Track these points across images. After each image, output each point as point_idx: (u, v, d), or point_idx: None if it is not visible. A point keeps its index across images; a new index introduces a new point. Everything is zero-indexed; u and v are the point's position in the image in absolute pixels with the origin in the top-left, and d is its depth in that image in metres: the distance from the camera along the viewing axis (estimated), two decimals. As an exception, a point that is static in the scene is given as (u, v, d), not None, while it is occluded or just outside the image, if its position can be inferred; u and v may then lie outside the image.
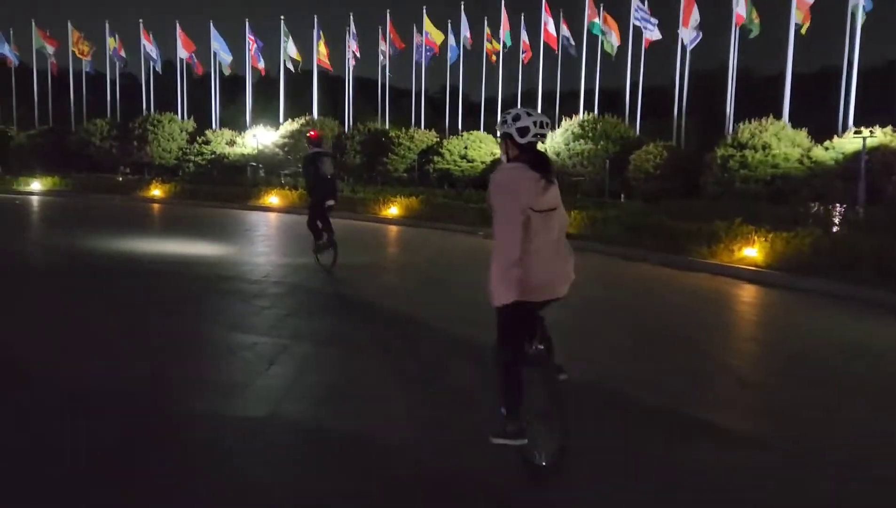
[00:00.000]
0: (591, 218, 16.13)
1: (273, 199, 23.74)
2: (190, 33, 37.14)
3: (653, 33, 27.76)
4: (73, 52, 38.32)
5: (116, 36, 38.37)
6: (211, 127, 36.55)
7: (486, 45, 32.75)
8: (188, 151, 34.50)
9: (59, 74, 40.16)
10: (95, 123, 35.31)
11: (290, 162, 32.55)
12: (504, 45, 31.57)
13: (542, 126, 3.72)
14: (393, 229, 18.68)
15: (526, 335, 3.88)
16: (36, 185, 28.15)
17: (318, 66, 37.00)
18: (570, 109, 29.61)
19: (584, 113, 26.62)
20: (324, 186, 10.45)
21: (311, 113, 35.64)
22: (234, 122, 39.07)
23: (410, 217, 19.83)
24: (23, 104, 39.98)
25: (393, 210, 20.38)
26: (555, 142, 25.87)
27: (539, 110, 5.18)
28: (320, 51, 36.32)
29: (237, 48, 37.52)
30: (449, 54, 34.46)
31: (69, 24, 38.24)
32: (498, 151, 28.23)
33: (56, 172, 30.83)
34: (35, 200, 25.35)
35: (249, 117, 37.18)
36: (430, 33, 33.10)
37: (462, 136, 29.22)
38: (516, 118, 3.72)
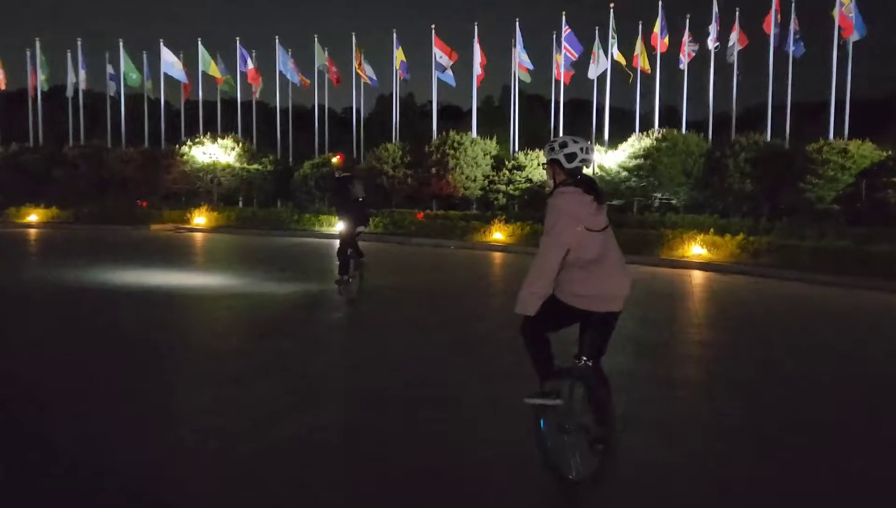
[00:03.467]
0: None
1: (698, 249, 15.59)
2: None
3: None
4: (358, 73, 33.60)
5: (402, 48, 33.16)
6: (511, 149, 29.82)
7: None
8: (496, 178, 27.75)
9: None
10: (387, 149, 29.70)
11: (639, 190, 24.50)
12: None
13: (586, 152, 3.92)
14: None
15: (551, 327, 3.99)
16: (339, 225, 22.53)
17: (639, 70, 29.00)
18: None
19: None
20: (355, 212, 9.99)
21: (651, 126, 27.52)
22: (532, 142, 32.06)
23: None
24: (299, 135, 35.99)
25: None
26: None
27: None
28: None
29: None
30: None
31: (353, 38, 33.66)
32: None
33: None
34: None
35: (562, 134, 29.89)
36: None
37: (934, 146, 19.33)
38: (563, 145, 3.94)
